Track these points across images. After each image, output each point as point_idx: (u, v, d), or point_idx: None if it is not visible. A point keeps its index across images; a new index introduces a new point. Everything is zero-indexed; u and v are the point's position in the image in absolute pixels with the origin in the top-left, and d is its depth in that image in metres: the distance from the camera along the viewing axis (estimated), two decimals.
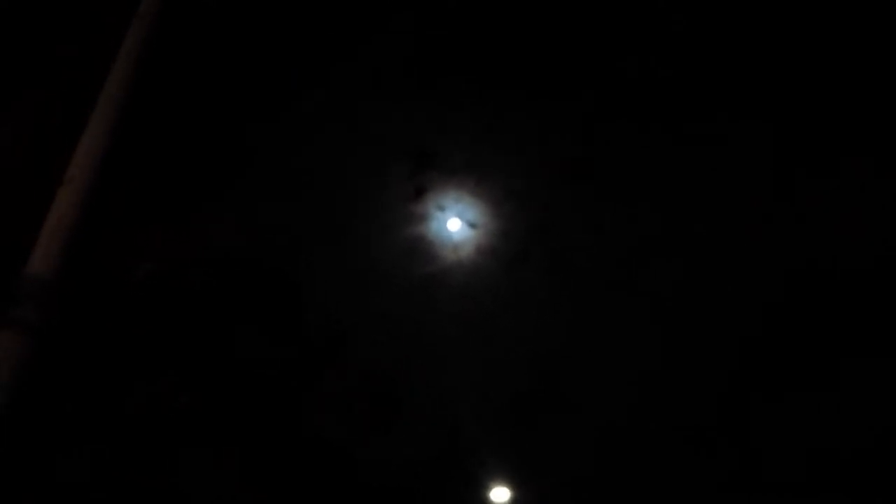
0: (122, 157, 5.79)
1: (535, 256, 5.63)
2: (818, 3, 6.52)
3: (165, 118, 6.29)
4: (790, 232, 5.69)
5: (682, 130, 6.12)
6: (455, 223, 5.70)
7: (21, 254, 4.95)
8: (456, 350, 5.37)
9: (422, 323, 5.45)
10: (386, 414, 5.15)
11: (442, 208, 5.85)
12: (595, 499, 5.05)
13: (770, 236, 5.67)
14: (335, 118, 6.33)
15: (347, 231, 5.79)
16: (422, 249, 5.64)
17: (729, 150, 5.97)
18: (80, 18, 6.38)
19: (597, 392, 5.26)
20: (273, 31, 6.94)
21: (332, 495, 4.96)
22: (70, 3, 6.69)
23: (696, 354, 5.38)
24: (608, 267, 5.61)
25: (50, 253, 4.87)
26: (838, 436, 5.22)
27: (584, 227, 5.70)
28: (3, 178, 5.60)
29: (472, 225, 5.71)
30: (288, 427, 5.13)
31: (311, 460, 5.00)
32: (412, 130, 6.23)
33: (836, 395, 5.29)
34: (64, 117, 5.82)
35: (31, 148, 5.75)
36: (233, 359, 5.28)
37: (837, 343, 5.38)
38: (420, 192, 5.84)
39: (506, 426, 5.24)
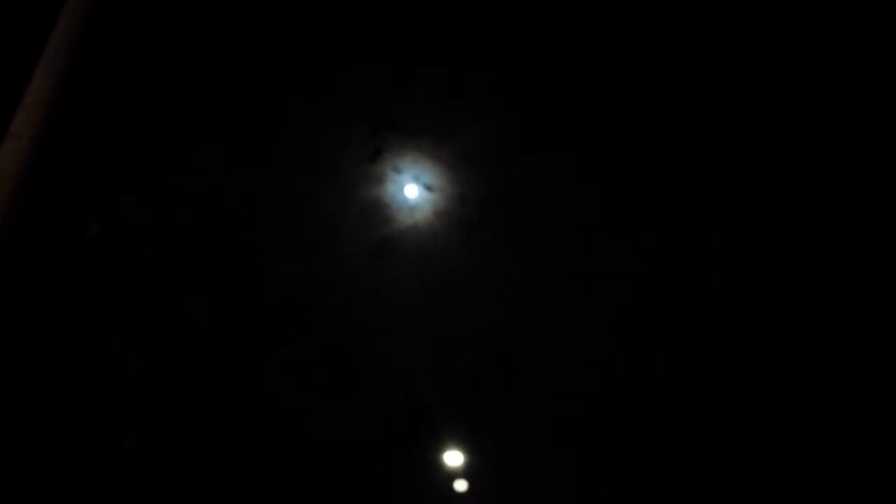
0: (74, 116, 5.60)
1: (492, 223, 5.62)
2: (816, 4, 6.45)
3: (124, 82, 6.10)
4: (743, 213, 5.71)
5: (644, 111, 6.10)
6: (412, 187, 5.66)
7: None
8: (410, 315, 5.36)
9: (378, 288, 5.42)
10: (342, 380, 5.12)
11: (398, 170, 5.80)
12: (545, 464, 5.10)
13: (724, 217, 5.69)
14: (295, 84, 6.20)
15: (304, 195, 5.71)
16: (379, 212, 5.59)
17: (687, 133, 5.96)
18: None
19: (550, 361, 5.28)
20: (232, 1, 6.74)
21: (286, 461, 4.95)
22: None
23: (650, 328, 5.40)
24: (565, 238, 5.61)
25: None
26: (787, 413, 5.28)
27: (541, 197, 5.68)
28: None
29: (428, 188, 5.67)
30: (244, 394, 5.09)
31: (266, 426, 4.97)
32: (372, 94, 6.13)
33: (784, 372, 5.36)
34: (7, 72, 5.62)
35: None
36: (187, 325, 5.20)
37: (783, 321, 5.44)
38: (377, 154, 5.77)
39: (460, 392, 5.25)
